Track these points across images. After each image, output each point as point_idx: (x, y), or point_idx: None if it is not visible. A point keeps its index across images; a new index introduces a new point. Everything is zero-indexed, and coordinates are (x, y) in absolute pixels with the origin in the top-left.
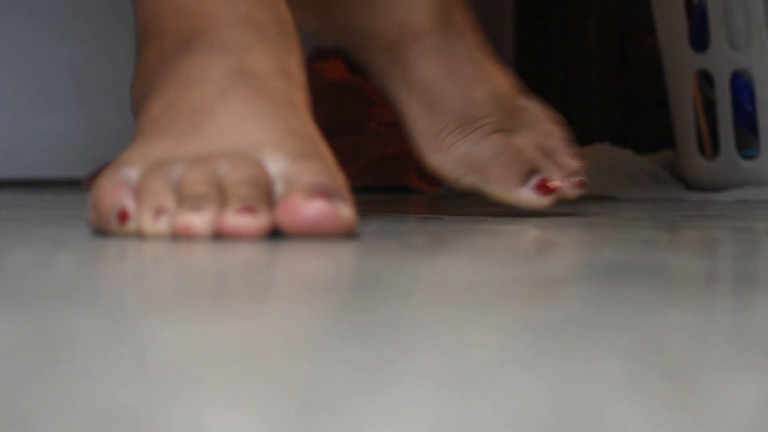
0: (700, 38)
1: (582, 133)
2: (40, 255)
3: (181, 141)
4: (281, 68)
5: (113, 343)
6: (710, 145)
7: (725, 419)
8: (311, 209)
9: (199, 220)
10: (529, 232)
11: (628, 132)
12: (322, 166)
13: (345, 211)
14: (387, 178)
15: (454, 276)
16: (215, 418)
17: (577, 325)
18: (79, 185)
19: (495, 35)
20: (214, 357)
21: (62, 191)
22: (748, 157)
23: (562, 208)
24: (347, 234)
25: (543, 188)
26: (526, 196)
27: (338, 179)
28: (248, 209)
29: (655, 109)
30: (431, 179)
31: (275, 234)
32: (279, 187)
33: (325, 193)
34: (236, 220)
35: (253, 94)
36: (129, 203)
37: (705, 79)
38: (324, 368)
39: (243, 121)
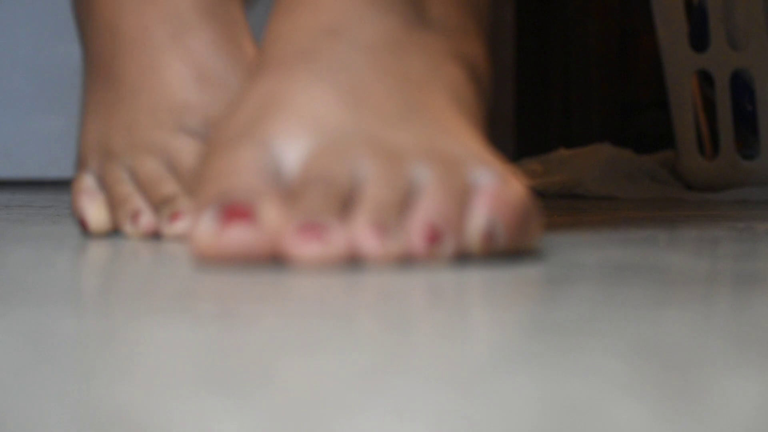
0: (700, 38)
1: (582, 133)
2: (39, 255)
3: (116, 127)
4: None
5: (112, 342)
6: (710, 145)
7: (725, 419)
8: None
9: (185, 225)
10: None
11: (628, 132)
12: None
13: None
14: None
15: (453, 276)
16: (214, 418)
17: (577, 325)
18: None
19: (495, 35)
20: (213, 357)
21: (62, 191)
22: (748, 157)
23: (561, 208)
24: None
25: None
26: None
27: None
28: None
29: (655, 109)
30: None
31: None
32: None
33: None
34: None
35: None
36: (88, 212)
37: (705, 79)
38: (323, 368)
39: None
